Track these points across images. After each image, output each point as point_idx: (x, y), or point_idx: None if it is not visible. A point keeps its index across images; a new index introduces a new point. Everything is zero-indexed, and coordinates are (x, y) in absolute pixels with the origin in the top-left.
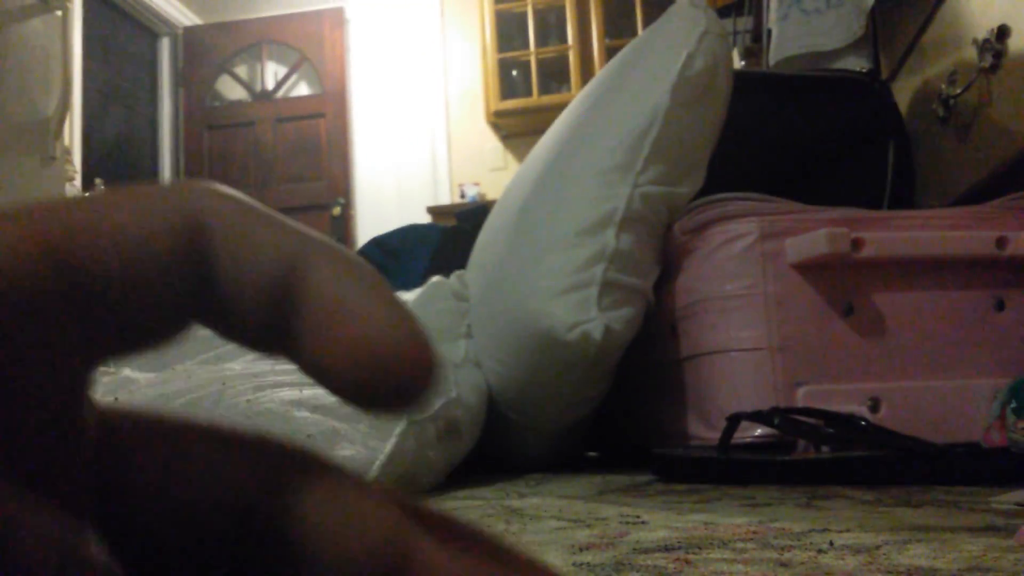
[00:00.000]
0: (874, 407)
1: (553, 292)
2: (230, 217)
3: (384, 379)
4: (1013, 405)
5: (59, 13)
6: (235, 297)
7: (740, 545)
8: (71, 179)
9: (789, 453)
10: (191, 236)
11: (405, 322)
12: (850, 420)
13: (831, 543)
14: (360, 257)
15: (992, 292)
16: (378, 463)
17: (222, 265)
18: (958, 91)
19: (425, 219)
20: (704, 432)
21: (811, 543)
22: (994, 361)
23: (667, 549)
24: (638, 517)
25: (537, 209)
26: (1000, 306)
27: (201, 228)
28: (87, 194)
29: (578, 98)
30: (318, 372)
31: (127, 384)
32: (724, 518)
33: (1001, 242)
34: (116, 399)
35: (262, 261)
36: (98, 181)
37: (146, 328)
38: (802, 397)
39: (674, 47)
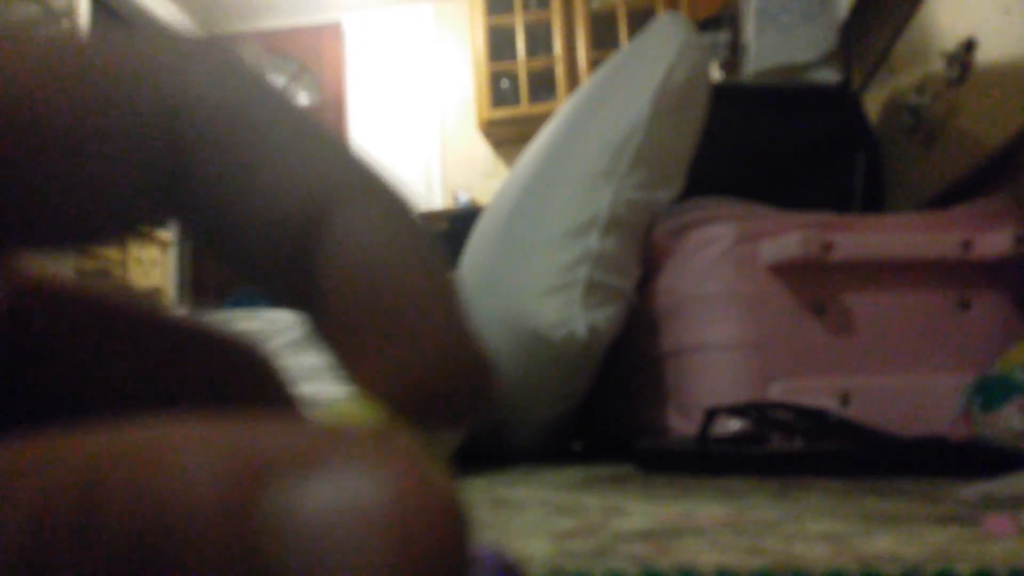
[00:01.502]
0: (844, 401)
1: (540, 292)
2: (228, 118)
3: (429, 404)
4: (980, 400)
5: (65, 24)
6: (233, 226)
7: (716, 533)
8: None
9: (764, 445)
10: (169, 125)
11: (451, 321)
12: (820, 414)
13: (803, 531)
14: (406, 201)
15: (958, 292)
16: None
17: (210, 180)
18: (926, 102)
19: None
20: (683, 425)
21: (784, 531)
22: (959, 358)
23: (646, 537)
24: (619, 507)
25: (525, 213)
26: (965, 306)
27: (184, 123)
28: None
29: (565, 107)
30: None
31: None
32: (701, 507)
33: (967, 245)
34: None
35: (273, 191)
36: None
37: (94, 212)
38: (776, 392)
39: (656, 59)
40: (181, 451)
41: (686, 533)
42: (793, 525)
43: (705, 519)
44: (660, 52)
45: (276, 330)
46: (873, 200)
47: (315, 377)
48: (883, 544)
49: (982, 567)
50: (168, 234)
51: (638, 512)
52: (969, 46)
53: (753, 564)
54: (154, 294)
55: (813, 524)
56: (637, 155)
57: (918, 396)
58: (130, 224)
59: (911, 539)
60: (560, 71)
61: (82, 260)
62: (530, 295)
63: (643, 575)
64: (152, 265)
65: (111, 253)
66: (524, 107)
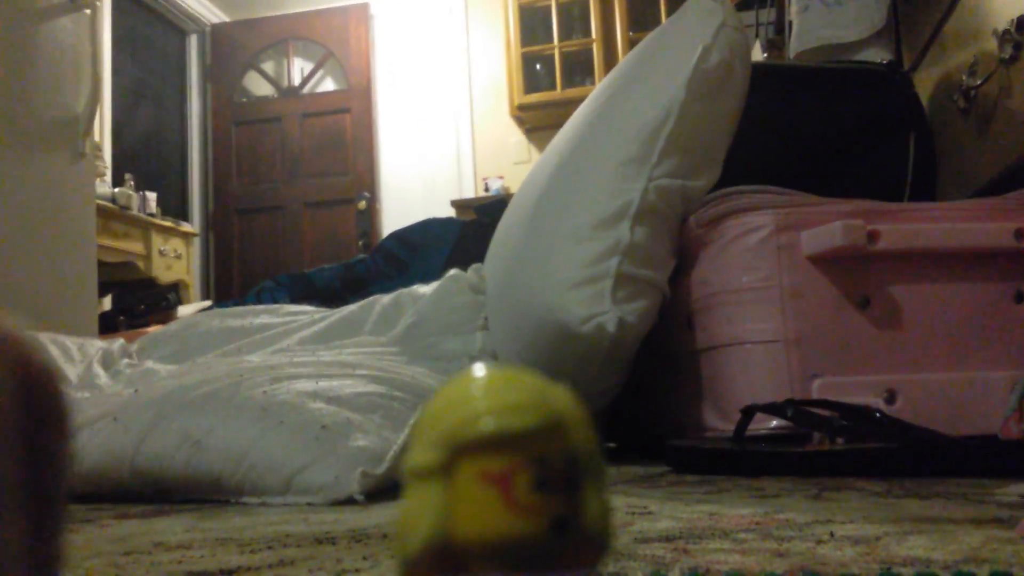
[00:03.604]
0: (890, 399)
1: (568, 285)
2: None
3: None
4: None
5: (88, 11)
6: None
7: (741, 535)
8: (101, 175)
9: (804, 445)
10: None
11: None
12: (865, 412)
13: (832, 534)
14: None
15: (1011, 284)
16: (392, 452)
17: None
18: (978, 82)
19: (450, 213)
20: (719, 424)
21: (812, 534)
22: (1012, 353)
23: (668, 539)
24: (645, 508)
25: (553, 202)
26: (1019, 298)
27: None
28: None
29: (595, 92)
30: None
31: (148, 375)
32: (730, 509)
33: (1020, 233)
34: (136, 390)
35: None
36: (127, 176)
37: None
38: (817, 389)
39: (690, 40)
40: None
41: (709, 536)
42: (823, 528)
43: (732, 521)
44: (695, 32)
45: (298, 324)
46: (924, 187)
47: (332, 373)
48: (914, 547)
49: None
50: (192, 227)
51: (663, 514)
52: (1022, 24)
53: (773, 567)
54: (178, 286)
55: (844, 527)
56: (670, 141)
57: (968, 393)
58: None
59: (944, 542)
60: (597, 54)
61: (105, 253)
62: (557, 288)
63: None
64: (176, 258)
65: (134, 246)
66: (558, 92)
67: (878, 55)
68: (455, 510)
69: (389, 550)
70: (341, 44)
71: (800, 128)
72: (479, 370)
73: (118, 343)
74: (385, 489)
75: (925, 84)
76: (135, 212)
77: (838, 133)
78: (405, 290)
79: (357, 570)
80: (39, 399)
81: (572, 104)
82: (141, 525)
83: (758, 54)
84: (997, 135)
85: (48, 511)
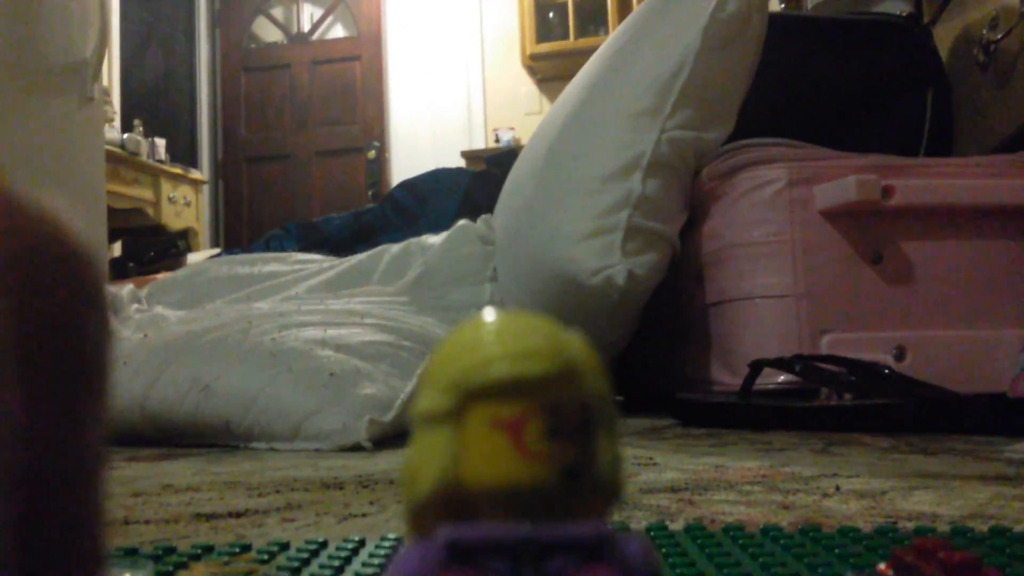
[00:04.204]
0: (900, 356)
1: (577, 237)
2: None
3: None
4: None
5: None
6: None
7: (746, 487)
8: (110, 120)
9: (811, 400)
10: None
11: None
12: (873, 368)
13: (837, 488)
14: None
15: None
16: (399, 401)
17: None
18: (999, 36)
19: (460, 163)
20: (727, 378)
21: (817, 487)
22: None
23: (673, 490)
24: (651, 459)
25: (564, 153)
26: None
27: None
28: None
29: (608, 41)
30: None
31: (157, 320)
32: (736, 462)
33: None
34: (145, 335)
35: None
36: (136, 122)
37: None
38: (827, 345)
39: None
40: None
41: (715, 487)
42: (828, 481)
43: (737, 474)
44: None
45: (306, 273)
46: (941, 142)
47: (341, 322)
48: (919, 502)
49: (1000, 525)
50: (201, 174)
51: (669, 465)
52: None
53: (779, 519)
54: (187, 234)
55: (850, 481)
56: (684, 92)
57: (978, 351)
58: None
59: (950, 497)
60: (611, 2)
61: (114, 199)
62: (567, 240)
63: (653, 528)
64: (185, 205)
65: (144, 192)
66: (571, 41)
67: (897, 7)
68: (464, 456)
69: (395, 496)
70: None
71: (816, 81)
72: (490, 314)
73: (127, 288)
74: (392, 437)
75: (944, 38)
76: (144, 158)
77: (855, 86)
78: (414, 240)
79: (364, 514)
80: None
81: (585, 54)
82: (151, 468)
83: (775, 5)
84: (1017, 90)
85: (78, 401)
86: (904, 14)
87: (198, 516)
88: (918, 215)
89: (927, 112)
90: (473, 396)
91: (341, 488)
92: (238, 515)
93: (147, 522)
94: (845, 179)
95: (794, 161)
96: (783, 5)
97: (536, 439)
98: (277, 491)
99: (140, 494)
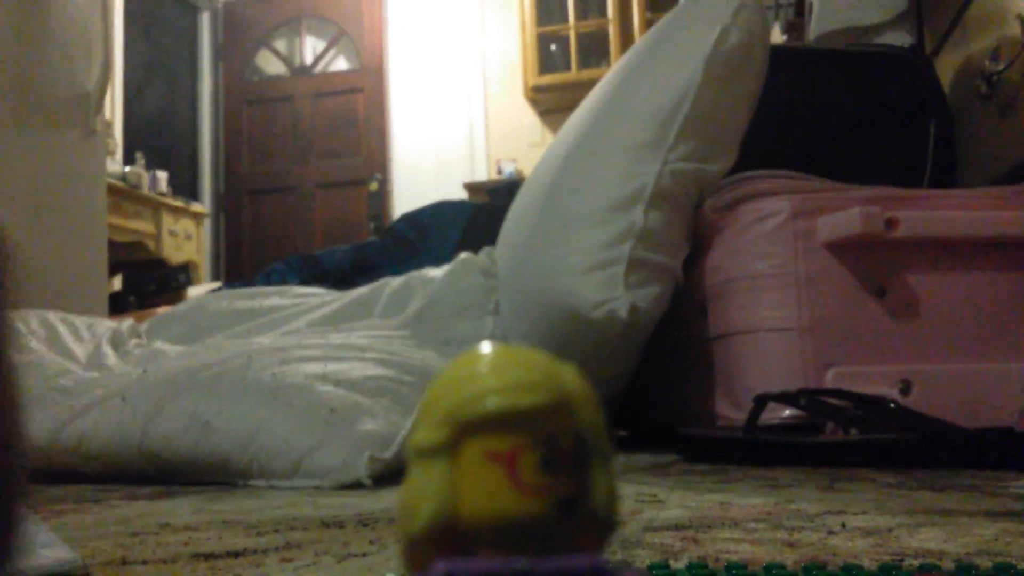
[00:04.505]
0: (905, 389)
1: (579, 269)
2: None
3: None
4: None
5: None
6: None
7: (751, 525)
8: (112, 153)
9: (817, 435)
10: None
11: None
12: (879, 402)
13: (843, 525)
14: None
15: None
16: (399, 437)
17: None
18: (1001, 67)
19: (462, 195)
20: (731, 413)
21: (823, 524)
22: None
23: (677, 528)
24: (655, 496)
25: (566, 185)
26: None
27: None
28: None
29: (610, 73)
30: None
31: (157, 355)
32: (741, 499)
33: None
34: (144, 370)
35: None
36: (138, 155)
37: None
38: (832, 378)
39: (709, 21)
40: None
41: (719, 525)
42: (834, 519)
43: (742, 511)
44: (714, 13)
45: (307, 306)
46: (943, 174)
47: (341, 356)
48: (926, 539)
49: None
50: (203, 207)
51: (673, 502)
52: None
53: (784, 558)
54: (188, 267)
55: (856, 518)
56: (686, 124)
57: (985, 384)
58: None
59: (957, 534)
60: (613, 34)
61: (115, 233)
62: (569, 272)
63: (655, 567)
64: (186, 238)
65: (145, 225)
66: (573, 73)
67: (899, 38)
68: (460, 489)
69: (395, 534)
70: (354, 22)
71: (818, 112)
72: (486, 348)
73: (127, 323)
74: (393, 473)
75: (946, 69)
76: (146, 191)
77: (857, 118)
78: (415, 273)
79: (364, 554)
80: None
81: (587, 86)
82: (149, 506)
83: (777, 36)
84: (1019, 121)
85: None
86: (906, 45)
87: (196, 556)
88: (922, 247)
89: (930, 143)
90: (468, 429)
91: (341, 527)
92: (236, 555)
93: (144, 562)
94: (849, 211)
95: (797, 193)
96: (785, 37)
97: (531, 472)
98: (276, 530)
99: (137, 533)
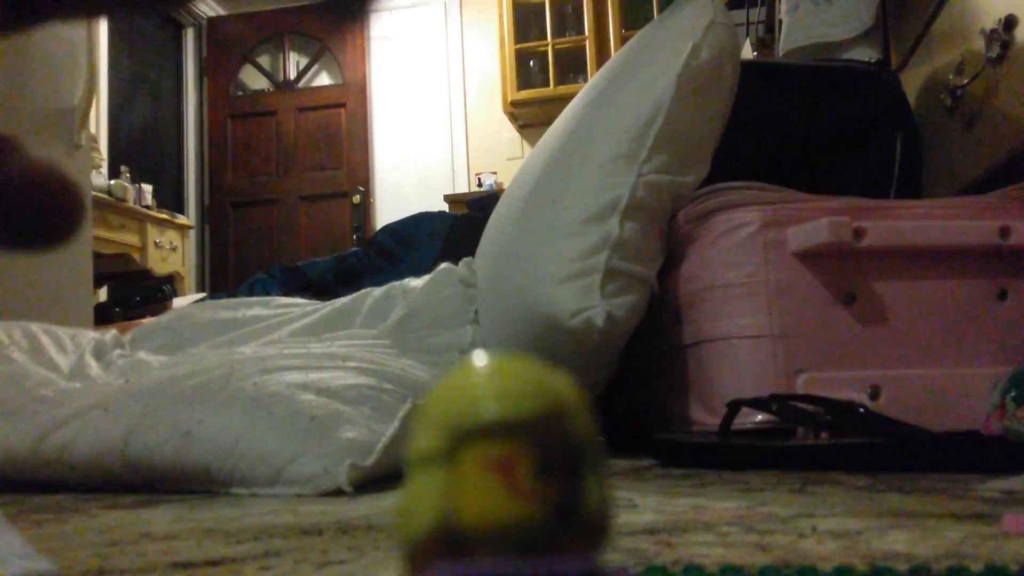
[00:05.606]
0: (874, 395)
1: (557, 279)
2: None
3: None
4: (1013, 394)
5: None
6: None
7: (724, 529)
8: (97, 167)
9: (788, 440)
10: None
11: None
12: (849, 407)
13: (814, 528)
14: None
15: (994, 282)
16: (380, 445)
17: None
18: (965, 81)
19: (443, 207)
20: (706, 418)
21: (794, 528)
22: (995, 350)
23: (651, 532)
24: (630, 500)
25: (543, 197)
26: (1003, 295)
27: None
28: None
29: (585, 88)
30: None
31: (140, 366)
32: (714, 502)
33: (1004, 231)
34: (127, 381)
35: None
36: (123, 168)
37: None
38: (802, 384)
39: (681, 37)
40: None
41: (693, 529)
42: (805, 521)
43: (715, 514)
44: (686, 29)
45: (289, 316)
46: (910, 185)
47: (323, 365)
48: (895, 541)
49: (990, 565)
50: (187, 219)
51: (648, 507)
52: (1009, 24)
53: (756, 560)
54: (173, 279)
55: (826, 521)
56: (660, 137)
57: (951, 389)
58: None
59: (925, 536)
60: (590, 51)
61: (101, 245)
62: (546, 282)
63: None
64: (171, 250)
65: (130, 238)
66: (551, 88)
67: (866, 54)
68: (458, 496)
69: (374, 542)
70: (337, 39)
71: (788, 126)
72: (482, 358)
73: (111, 334)
74: (373, 481)
75: (912, 83)
76: (131, 204)
77: (825, 131)
78: (396, 283)
79: (342, 561)
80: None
81: (565, 101)
82: (129, 515)
83: (748, 52)
84: (983, 134)
85: None
86: (873, 60)
87: (175, 565)
88: (889, 256)
89: (896, 155)
90: (465, 437)
91: (320, 534)
92: (215, 563)
93: (122, 572)
94: (817, 221)
95: (768, 204)
96: (755, 53)
97: (527, 478)
98: (256, 538)
99: (117, 543)
